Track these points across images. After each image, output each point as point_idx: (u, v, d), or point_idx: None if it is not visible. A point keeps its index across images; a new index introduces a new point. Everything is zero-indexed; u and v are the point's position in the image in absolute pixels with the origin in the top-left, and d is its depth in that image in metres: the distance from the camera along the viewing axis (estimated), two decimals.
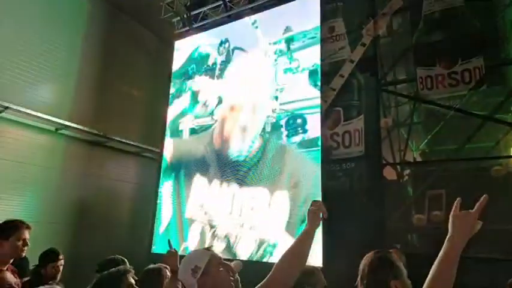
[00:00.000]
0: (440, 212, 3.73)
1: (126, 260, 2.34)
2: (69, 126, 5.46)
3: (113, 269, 1.64)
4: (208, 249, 1.46)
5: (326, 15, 4.62)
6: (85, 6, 6.00)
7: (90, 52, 6.00)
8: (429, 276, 1.07)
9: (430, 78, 3.74)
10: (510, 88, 3.92)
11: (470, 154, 3.97)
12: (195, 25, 6.04)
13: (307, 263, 1.47)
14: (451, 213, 1.12)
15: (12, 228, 2.09)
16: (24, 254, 2.13)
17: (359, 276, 1.46)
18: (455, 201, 1.14)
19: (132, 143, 6.31)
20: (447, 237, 1.08)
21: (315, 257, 3.79)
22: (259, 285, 1.38)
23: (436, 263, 1.06)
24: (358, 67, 4.27)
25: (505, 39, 3.89)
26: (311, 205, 1.51)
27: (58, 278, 2.71)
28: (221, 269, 1.41)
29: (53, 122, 5.26)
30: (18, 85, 4.96)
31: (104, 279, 1.57)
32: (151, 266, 2.20)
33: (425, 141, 4.64)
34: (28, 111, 4.90)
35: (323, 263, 3.80)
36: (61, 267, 2.75)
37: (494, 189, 3.46)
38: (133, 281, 1.60)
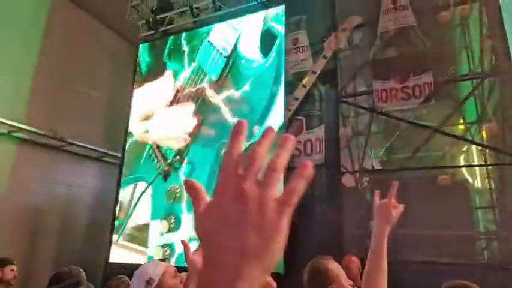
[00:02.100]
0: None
1: (82, 270, 2.27)
2: (24, 129, 5.18)
3: (66, 282, 1.59)
4: (163, 260, 1.47)
5: (290, 27, 4.77)
6: (47, 2, 5.75)
7: (50, 51, 5.73)
8: (365, 269, 1.12)
9: (385, 92, 3.97)
10: (457, 103, 4.24)
11: (421, 163, 4.23)
12: (161, 29, 5.98)
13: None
14: (373, 204, 1.17)
15: None
16: None
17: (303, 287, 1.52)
18: (375, 194, 1.19)
19: (91, 147, 6.09)
20: (372, 234, 1.13)
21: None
22: None
23: (368, 257, 1.12)
24: (320, 78, 4.45)
25: (453, 58, 4.20)
26: None
27: (13, 283, 2.59)
28: (175, 280, 1.42)
29: (5, 124, 4.96)
30: None
31: None
32: (120, 276, 2.16)
33: (383, 150, 4.89)
34: None
35: (284, 270, 3.87)
36: (15, 274, 2.63)
37: (441, 197, 3.72)
38: None
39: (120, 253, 5.13)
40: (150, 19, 5.98)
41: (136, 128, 5.73)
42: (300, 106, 4.50)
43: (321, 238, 3.88)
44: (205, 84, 5.27)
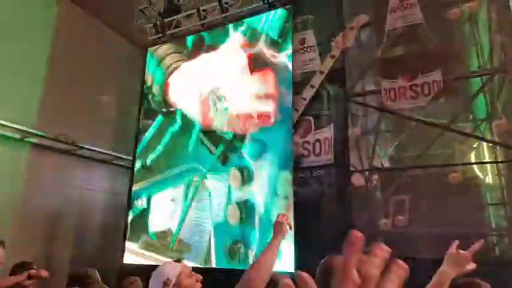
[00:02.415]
0: (403, 216, 3.93)
1: (97, 272, 2.33)
2: (36, 134, 5.28)
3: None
4: (179, 261, 1.51)
5: (297, 27, 4.78)
6: (55, 9, 5.84)
7: (60, 57, 5.82)
8: None
9: (393, 90, 3.97)
10: (466, 100, 4.22)
11: (431, 161, 4.22)
12: (169, 32, 6.04)
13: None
14: (449, 250, 1.21)
15: None
16: None
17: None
18: (454, 242, 1.22)
19: (102, 150, 6.18)
20: (439, 270, 1.17)
21: (289, 263, 3.89)
22: None
23: None
24: (328, 78, 4.46)
25: (462, 55, 4.18)
26: (277, 217, 1.60)
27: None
28: (191, 279, 1.46)
29: (17, 129, 5.07)
30: None
31: None
32: (132, 277, 2.21)
33: (392, 148, 4.89)
34: None
35: (295, 268, 3.90)
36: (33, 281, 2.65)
37: (451, 195, 3.70)
38: None
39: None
40: (158, 22, 6.05)
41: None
42: (308, 106, 4.52)
43: (331, 237, 3.89)
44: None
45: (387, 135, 4.67)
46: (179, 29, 6.03)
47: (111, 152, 6.31)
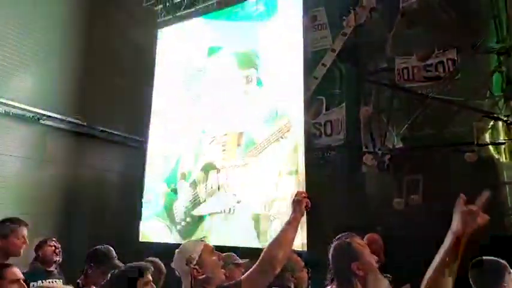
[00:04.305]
0: (417, 195, 3.91)
1: (112, 249, 2.38)
2: (52, 117, 5.38)
3: (131, 264, 1.65)
4: (202, 240, 1.56)
5: (308, 4, 4.65)
6: None
7: (72, 40, 5.86)
8: (432, 265, 1.08)
9: (406, 69, 3.87)
10: (484, 75, 4.09)
11: (446, 140, 4.15)
12: (178, 13, 5.97)
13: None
14: (455, 207, 1.12)
15: (10, 226, 2.11)
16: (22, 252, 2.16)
17: (328, 264, 1.57)
18: (460, 197, 1.13)
19: (116, 132, 6.26)
20: (450, 230, 1.08)
21: (299, 241, 3.95)
22: (248, 272, 1.48)
23: (439, 253, 1.08)
24: (340, 57, 4.36)
25: (479, 30, 4.02)
26: (295, 195, 1.62)
27: (57, 259, 2.70)
28: (213, 257, 1.51)
29: (34, 112, 5.17)
30: None
31: (122, 275, 1.57)
32: (149, 258, 2.28)
33: (405, 127, 4.81)
34: (8, 101, 4.82)
35: (307, 248, 3.96)
36: (57, 248, 2.74)
37: (466, 174, 3.65)
38: (151, 278, 1.61)
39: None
40: (167, 4, 5.97)
41: None
42: (319, 85, 4.45)
43: (343, 217, 3.91)
44: None
45: (400, 113, 4.59)
46: (189, 10, 5.94)
47: (124, 134, 6.40)
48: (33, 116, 5.20)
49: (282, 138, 4.42)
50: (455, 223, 1.09)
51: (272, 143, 4.52)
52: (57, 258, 2.69)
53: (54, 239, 2.78)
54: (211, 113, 5.34)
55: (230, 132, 5.06)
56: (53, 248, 2.71)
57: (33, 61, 5.32)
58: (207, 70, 5.53)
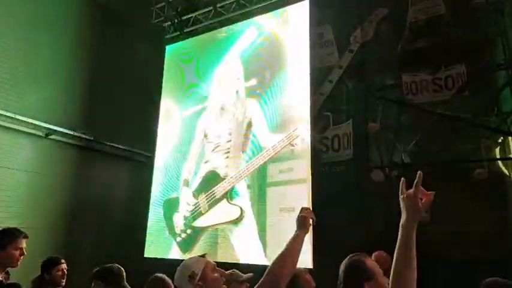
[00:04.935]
0: (426, 213, 3.83)
1: (122, 268, 2.35)
2: (59, 131, 5.44)
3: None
4: (203, 256, 1.53)
5: (314, 21, 4.71)
6: (74, 9, 5.98)
7: (80, 55, 5.96)
8: (393, 264, 1.07)
9: (414, 84, 3.87)
10: (492, 93, 4.07)
11: (454, 156, 4.10)
12: (186, 30, 6.09)
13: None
14: (400, 196, 1.11)
15: (9, 237, 2.09)
16: (19, 264, 2.14)
17: (338, 282, 1.53)
18: (401, 183, 1.12)
19: (123, 147, 6.30)
20: (400, 222, 1.07)
21: (306, 259, 3.87)
22: None
23: (396, 250, 1.07)
24: (346, 73, 4.38)
25: (487, 47, 4.03)
26: (300, 211, 1.59)
27: (63, 282, 2.69)
28: (216, 274, 1.48)
29: (42, 127, 5.24)
30: (4, 89, 4.92)
31: None
32: (158, 275, 2.23)
33: (413, 143, 4.78)
34: (16, 116, 4.88)
35: (313, 265, 3.88)
36: (65, 271, 2.72)
37: (476, 192, 3.59)
38: None
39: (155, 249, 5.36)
40: (176, 21, 6.10)
41: None
42: (326, 101, 4.46)
43: (351, 234, 3.85)
44: None
45: (408, 129, 4.57)
46: (197, 26, 6.06)
47: (131, 148, 6.43)
48: (42, 131, 5.28)
49: (291, 146, 4.35)
50: (403, 214, 1.08)
51: (280, 151, 4.47)
52: (63, 283, 2.66)
53: (63, 260, 2.75)
54: (215, 119, 5.32)
55: (234, 138, 4.98)
56: (63, 271, 2.68)
57: (43, 76, 5.41)
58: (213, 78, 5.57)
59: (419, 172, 1.09)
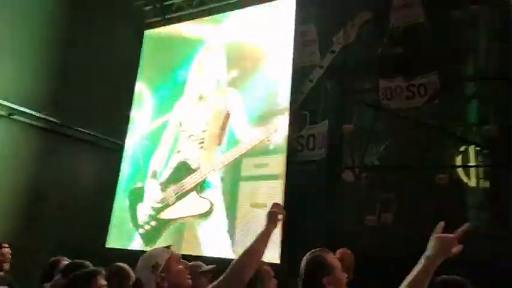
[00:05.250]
0: (389, 214, 3.99)
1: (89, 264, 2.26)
2: (23, 112, 5.15)
3: (83, 270, 1.62)
4: (168, 247, 1.50)
5: (299, 19, 4.73)
6: None
7: (51, 34, 5.65)
8: (404, 283, 1.11)
9: (389, 89, 3.98)
10: (460, 103, 4.26)
11: (421, 161, 4.27)
12: (168, 16, 5.93)
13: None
14: (433, 234, 1.16)
15: None
16: None
17: (298, 278, 1.57)
18: (438, 224, 1.19)
19: (92, 133, 6.03)
20: (424, 255, 1.13)
21: (274, 254, 3.91)
22: (215, 282, 1.44)
23: (408, 278, 1.11)
24: (326, 74, 4.44)
25: (460, 58, 4.20)
26: (271, 207, 1.61)
27: (6, 266, 2.60)
28: (180, 266, 1.46)
29: (5, 106, 4.94)
30: None
31: (74, 280, 1.56)
32: (119, 264, 2.16)
33: (383, 147, 4.93)
34: None
35: (280, 260, 3.93)
36: (8, 256, 2.64)
37: (438, 196, 3.77)
38: (104, 283, 1.58)
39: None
40: (157, 5, 5.93)
41: None
42: (304, 100, 4.50)
43: (318, 232, 3.93)
44: None
45: (381, 133, 4.70)
46: (179, 14, 5.92)
47: (100, 135, 6.18)
48: (4, 111, 4.97)
49: (267, 141, 4.34)
50: (431, 248, 1.13)
51: (256, 145, 4.44)
52: (6, 267, 2.56)
53: (6, 245, 2.64)
54: (191, 107, 5.20)
55: (210, 128, 4.87)
56: (4, 256, 2.58)
57: (9, 53, 5.10)
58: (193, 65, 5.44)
59: (467, 224, 1.15)
